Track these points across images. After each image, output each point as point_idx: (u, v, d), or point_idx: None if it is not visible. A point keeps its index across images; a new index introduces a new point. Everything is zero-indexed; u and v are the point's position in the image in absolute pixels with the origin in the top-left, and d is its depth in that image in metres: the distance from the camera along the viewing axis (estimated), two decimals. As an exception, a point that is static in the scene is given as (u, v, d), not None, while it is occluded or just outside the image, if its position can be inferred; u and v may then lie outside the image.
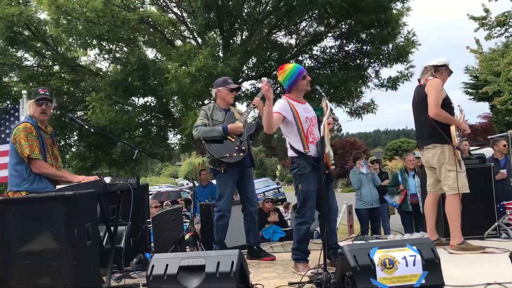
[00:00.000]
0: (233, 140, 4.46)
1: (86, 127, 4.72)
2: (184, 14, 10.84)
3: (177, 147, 13.01)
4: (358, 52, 10.70)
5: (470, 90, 23.18)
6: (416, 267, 2.70)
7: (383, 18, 9.64)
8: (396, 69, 10.84)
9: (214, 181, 12.32)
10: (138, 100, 10.39)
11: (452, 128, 4.19)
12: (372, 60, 10.72)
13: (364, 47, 10.69)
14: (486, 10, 15.36)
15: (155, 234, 5.24)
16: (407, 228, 7.32)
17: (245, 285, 2.84)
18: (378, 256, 2.74)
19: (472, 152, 8.18)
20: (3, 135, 5.65)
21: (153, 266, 2.72)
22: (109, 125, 8.67)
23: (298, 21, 10.27)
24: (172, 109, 11.20)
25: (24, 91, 6.11)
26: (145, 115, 10.71)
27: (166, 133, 12.02)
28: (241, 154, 4.44)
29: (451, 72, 4.45)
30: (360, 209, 7.44)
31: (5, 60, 9.88)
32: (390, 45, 10.46)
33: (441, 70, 4.34)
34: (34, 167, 3.76)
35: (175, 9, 10.83)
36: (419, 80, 4.51)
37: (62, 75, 11.12)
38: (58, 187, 3.62)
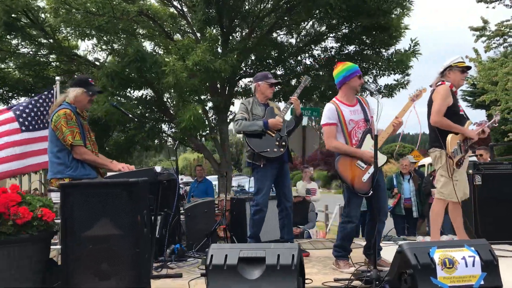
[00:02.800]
0: (273, 135, 4.50)
1: (130, 116, 4.69)
2: (184, 8, 10.78)
3: (170, 141, 12.94)
4: (357, 55, 10.66)
5: (468, 98, 23.27)
6: (475, 268, 2.74)
7: (382, 22, 9.61)
8: (394, 77, 10.84)
9: (209, 177, 12.34)
10: (134, 92, 10.32)
11: (449, 137, 4.19)
12: (371, 66, 10.68)
13: (364, 51, 10.65)
14: (485, 21, 15.45)
15: (187, 226, 5.26)
16: (399, 232, 7.33)
17: (303, 278, 2.87)
18: (438, 255, 2.78)
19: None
20: (39, 121, 5.56)
21: (212, 256, 2.78)
22: (105, 116, 8.61)
23: (299, 20, 10.20)
24: (167, 103, 11.14)
25: (58, 77, 6.09)
26: (140, 107, 10.64)
27: (161, 127, 11.95)
28: (281, 149, 4.48)
29: (466, 68, 4.41)
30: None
31: (1, 46, 9.80)
32: (390, 51, 10.43)
33: (446, 74, 4.33)
34: (76, 154, 3.76)
35: (175, 3, 10.77)
36: (431, 86, 4.51)
37: (58, 64, 11.03)
38: (108, 174, 3.60)
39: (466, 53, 15.19)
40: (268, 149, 4.42)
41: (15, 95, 10.92)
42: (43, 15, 9.53)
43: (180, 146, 14.49)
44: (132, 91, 10.19)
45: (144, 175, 3.31)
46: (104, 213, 2.80)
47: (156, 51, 10.71)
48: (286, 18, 10.42)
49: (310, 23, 10.82)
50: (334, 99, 4.13)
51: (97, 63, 10.35)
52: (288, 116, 4.85)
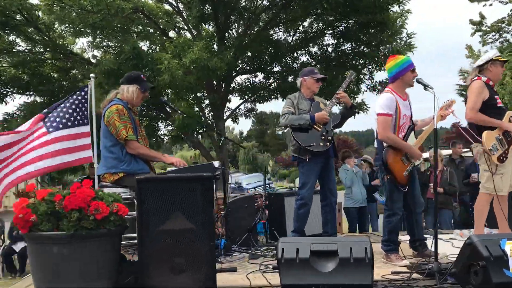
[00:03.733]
0: (319, 129, 4.50)
1: (179, 112, 4.66)
2: (180, 5, 10.74)
3: (166, 139, 12.92)
4: (354, 53, 10.65)
5: (464, 93, 23.34)
6: None
7: (379, 19, 9.58)
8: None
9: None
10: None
11: (484, 134, 4.15)
12: (367, 62, 10.67)
13: (361, 48, 10.63)
14: (482, 17, 15.50)
15: (228, 221, 5.23)
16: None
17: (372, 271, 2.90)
18: (508, 247, 2.78)
19: (463, 155, 8.24)
20: (72, 118, 5.58)
21: (283, 249, 2.82)
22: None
23: (296, 17, 10.16)
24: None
25: (92, 74, 6.12)
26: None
27: (157, 124, 11.91)
28: (327, 144, 4.48)
29: (504, 62, 4.39)
30: (349, 208, 7.44)
31: (-4, 44, 9.75)
32: (387, 48, 10.40)
33: (487, 67, 4.27)
34: (130, 148, 3.78)
35: (171, 0, 10.72)
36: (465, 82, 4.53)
37: (53, 62, 10.97)
38: (168, 169, 3.60)
39: (463, 50, 15.25)
40: (314, 143, 4.43)
41: (9, 92, 10.83)
42: (37, 13, 9.46)
43: (176, 144, 14.48)
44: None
45: (205, 170, 3.33)
46: (178, 207, 2.83)
47: (152, 48, 10.66)
48: (282, 15, 10.39)
49: (308, 20, 10.78)
50: (390, 89, 4.08)
51: (93, 60, 10.30)
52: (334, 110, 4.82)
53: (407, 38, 10.02)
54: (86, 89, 5.77)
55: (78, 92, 5.66)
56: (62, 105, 5.50)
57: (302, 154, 4.46)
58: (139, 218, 2.79)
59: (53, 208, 2.61)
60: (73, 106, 5.60)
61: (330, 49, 11.14)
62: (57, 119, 5.48)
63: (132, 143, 3.79)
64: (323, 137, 4.48)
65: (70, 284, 2.57)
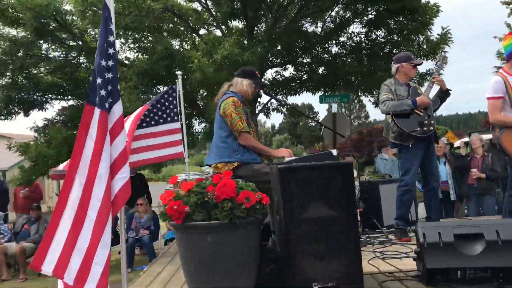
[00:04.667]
0: (421, 114, 4.49)
1: (284, 103, 4.72)
2: (208, 2, 10.80)
3: (200, 135, 13.06)
4: (386, 42, 10.45)
5: (502, 75, 22.57)
6: None
7: (409, 6, 9.38)
8: (426, 66, 10.58)
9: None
10: (163, 89, 10.42)
11: (503, 136, 4.03)
12: (400, 51, 10.46)
13: (393, 36, 10.43)
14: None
15: None
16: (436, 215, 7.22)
17: None
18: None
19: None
20: (164, 115, 5.90)
21: (424, 234, 2.91)
22: (136, 114, 8.73)
23: (324, 7, 10.06)
24: (197, 98, 11.22)
25: (179, 72, 6.42)
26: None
27: (191, 121, 12.06)
28: (431, 128, 4.47)
29: None
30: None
31: (33, 51, 10.05)
32: (421, 37, 10.17)
33: None
34: (242, 140, 3.90)
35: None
36: None
37: (88, 65, 11.24)
38: (287, 159, 3.73)
39: (497, 31, 14.70)
40: (418, 129, 4.42)
41: (48, 99, 11.17)
42: (70, 18, 9.71)
43: (209, 140, 14.60)
44: (161, 88, 10.30)
45: (326, 158, 3.38)
46: (320, 194, 2.87)
47: (183, 47, 10.78)
48: (310, 6, 10.31)
49: (335, 9, 10.65)
50: (501, 70, 4.03)
51: (126, 62, 10.49)
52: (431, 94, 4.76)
53: (443, 31, 9.76)
54: (174, 87, 6.06)
55: (167, 91, 5.94)
56: (154, 102, 5.78)
57: (404, 140, 4.45)
58: (283, 206, 2.85)
59: (202, 198, 2.71)
60: (166, 103, 5.87)
61: (360, 38, 10.98)
62: (150, 115, 5.76)
63: (245, 135, 3.89)
64: (426, 122, 4.45)
65: (224, 270, 2.69)
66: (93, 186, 2.69)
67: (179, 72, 6.48)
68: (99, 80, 2.76)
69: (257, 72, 4.15)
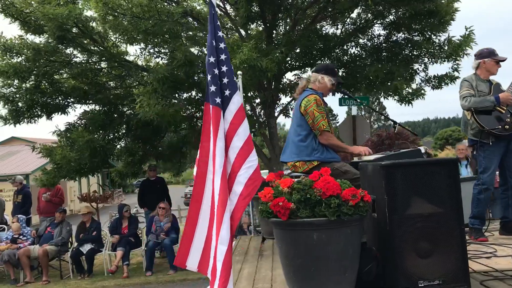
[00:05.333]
0: (503, 111, 4.40)
1: (358, 100, 4.69)
2: (227, 6, 10.84)
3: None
4: (407, 42, 10.33)
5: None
6: None
7: (430, 6, 9.24)
8: (446, 67, 10.41)
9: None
10: (183, 94, 10.49)
11: None
12: (422, 53, 10.32)
13: (413, 38, 10.29)
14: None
15: None
16: None
17: None
18: None
19: None
20: None
21: None
22: (156, 118, 8.81)
23: (343, 9, 9.99)
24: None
25: (239, 72, 6.53)
26: (190, 108, 10.80)
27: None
28: None
29: None
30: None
31: (56, 57, 10.22)
32: (442, 37, 10.02)
33: None
34: (323, 138, 3.88)
35: (217, 1, 10.83)
36: None
37: (109, 70, 11.38)
38: (366, 157, 3.75)
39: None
40: (499, 126, 4.34)
41: (70, 103, 11.34)
42: (91, 24, 9.84)
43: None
44: (181, 93, 10.36)
45: (414, 155, 3.36)
46: (425, 191, 2.86)
47: (203, 52, 10.82)
48: (329, 8, 10.25)
49: (355, 11, 10.57)
50: None
51: (145, 66, 10.58)
52: None
53: (467, 31, 9.60)
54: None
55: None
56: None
57: (484, 138, 4.37)
58: (387, 203, 2.84)
59: (304, 195, 2.71)
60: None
61: (380, 40, 10.87)
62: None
63: (327, 134, 3.87)
64: (508, 119, 4.36)
65: (330, 267, 2.69)
66: (214, 182, 2.74)
67: (239, 72, 6.53)
68: (208, 77, 2.83)
69: (336, 68, 4.13)
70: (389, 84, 10.21)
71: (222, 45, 2.91)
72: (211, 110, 2.80)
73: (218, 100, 2.80)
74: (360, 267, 2.83)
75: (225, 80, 2.84)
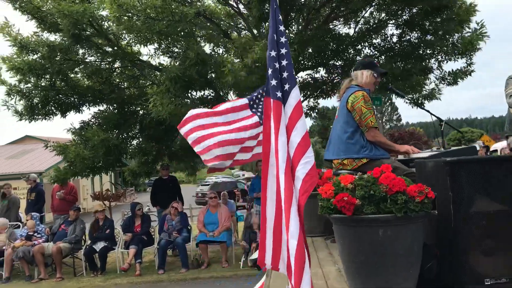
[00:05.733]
0: None
1: (405, 97, 4.55)
2: (240, 6, 10.86)
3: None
4: (420, 41, 10.28)
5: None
6: None
7: (445, 3, 9.19)
8: (461, 62, 10.37)
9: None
10: (196, 93, 10.54)
11: None
12: (436, 52, 10.26)
13: (427, 37, 10.24)
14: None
15: None
16: None
17: None
18: None
19: None
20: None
21: None
22: (169, 117, 8.86)
23: (356, 9, 9.97)
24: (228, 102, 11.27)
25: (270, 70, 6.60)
26: (202, 107, 10.84)
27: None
28: None
29: None
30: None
31: (70, 56, 10.33)
32: (456, 35, 9.95)
33: None
34: (370, 135, 3.86)
35: (231, 1, 10.86)
36: None
37: (122, 70, 11.47)
38: (414, 155, 3.73)
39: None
40: None
41: (85, 102, 11.45)
42: (106, 24, 9.93)
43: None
44: (194, 92, 10.41)
45: (469, 153, 3.33)
46: (491, 189, 2.83)
47: (216, 51, 10.86)
48: (342, 8, 10.23)
49: (369, 11, 10.54)
50: None
51: (160, 66, 10.65)
52: None
53: (479, 27, 9.52)
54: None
55: (258, 90, 6.10)
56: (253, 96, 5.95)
57: None
58: (451, 201, 2.82)
59: (368, 191, 2.71)
60: (257, 101, 5.99)
61: (394, 40, 10.83)
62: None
63: (374, 130, 3.84)
64: None
65: (395, 263, 2.69)
66: (279, 177, 2.73)
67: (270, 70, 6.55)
68: (269, 71, 2.84)
69: (376, 61, 4.10)
70: (405, 82, 10.16)
71: (283, 39, 2.91)
72: (272, 104, 2.80)
73: (279, 94, 2.80)
74: (421, 265, 2.82)
75: (285, 74, 2.85)
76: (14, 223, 11.15)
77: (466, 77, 10.31)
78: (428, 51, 10.27)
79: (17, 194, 13.36)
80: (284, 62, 2.86)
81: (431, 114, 4.26)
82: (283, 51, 2.88)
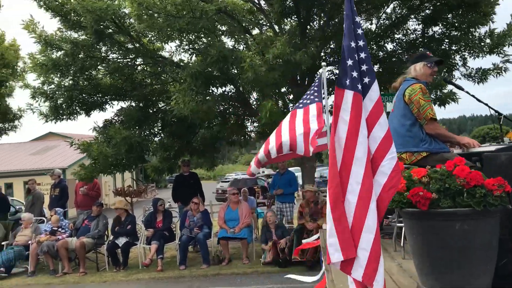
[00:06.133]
0: None
1: (465, 91, 4.61)
2: (261, 2, 10.82)
3: (253, 135, 13.14)
4: (444, 36, 10.07)
5: None
6: None
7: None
8: (491, 60, 10.07)
9: (291, 169, 12.37)
10: (217, 90, 10.55)
11: None
12: (461, 48, 10.03)
13: (451, 32, 10.03)
14: None
15: None
16: None
17: None
18: None
19: None
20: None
21: None
22: (190, 115, 8.89)
23: (378, 4, 9.83)
24: (249, 98, 11.26)
25: (323, 63, 6.71)
26: (223, 104, 10.87)
27: (244, 122, 12.14)
28: None
29: None
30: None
31: (93, 54, 10.45)
32: (482, 30, 9.71)
33: None
34: (429, 128, 3.79)
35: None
36: None
37: (145, 67, 11.56)
38: (476, 149, 3.62)
39: None
40: None
41: (107, 100, 11.57)
42: (128, 21, 10.01)
43: (261, 140, 14.70)
44: (215, 89, 10.42)
45: None
46: None
47: (236, 47, 10.85)
48: (364, 3, 10.10)
49: (391, 6, 10.39)
50: None
51: (181, 63, 10.70)
52: None
53: (509, 24, 9.26)
54: (320, 78, 6.30)
55: (314, 83, 6.22)
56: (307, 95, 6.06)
57: None
58: None
59: (443, 185, 2.67)
60: (312, 97, 6.08)
61: (416, 35, 10.65)
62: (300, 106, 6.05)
63: (434, 122, 3.78)
64: None
65: (473, 258, 2.65)
66: (350, 170, 2.66)
67: (324, 64, 6.60)
68: (350, 62, 2.73)
69: (428, 52, 4.01)
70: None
71: (359, 31, 2.80)
72: (351, 96, 2.69)
73: (359, 86, 2.70)
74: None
75: (364, 67, 2.75)
76: (38, 218, 11.35)
77: (499, 73, 10.00)
78: (453, 47, 10.06)
79: (41, 190, 13.61)
80: (362, 55, 2.75)
81: (489, 107, 4.11)
82: (361, 43, 2.76)
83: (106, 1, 8.94)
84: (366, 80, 2.73)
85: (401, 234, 3.90)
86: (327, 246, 2.64)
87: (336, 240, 2.60)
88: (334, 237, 2.60)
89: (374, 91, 2.73)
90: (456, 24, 9.78)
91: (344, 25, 2.81)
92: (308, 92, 6.29)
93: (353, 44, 2.74)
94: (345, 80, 2.71)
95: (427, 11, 10.16)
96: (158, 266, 9.37)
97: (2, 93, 13.85)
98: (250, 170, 5.92)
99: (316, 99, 5.97)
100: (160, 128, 12.06)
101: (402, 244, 3.89)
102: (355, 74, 2.69)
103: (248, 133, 12.65)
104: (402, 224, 3.64)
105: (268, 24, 10.91)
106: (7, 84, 13.72)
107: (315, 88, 6.22)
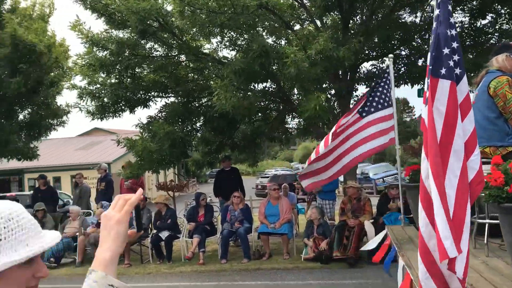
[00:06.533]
0: None
1: None
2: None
3: (294, 131, 13.11)
4: (494, 30, 9.68)
5: None
6: None
7: None
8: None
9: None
10: (257, 85, 10.57)
11: None
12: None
13: (502, 24, 9.62)
14: None
15: None
16: None
17: None
18: None
19: None
20: (376, 104, 6.08)
21: None
22: (232, 110, 8.96)
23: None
24: (290, 94, 11.23)
25: (390, 55, 6.76)
26: (264, 100, 10.88)
27: (285, 117, 12.13)
28: None
29: None
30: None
31: (137, 52, 10.68)
32: None
33: None
34: None
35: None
36: None
37: (188, 63, 11.72)
38: None
39: None
40: None
41: (151, 96, 11.82)
42: (171, 19, 10.16)
43: (300, 136, 14.65)
44: (256, 85, 10.45)
45: None
46: None
47: (278, 43, 10.83)
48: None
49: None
50: None
51: (224, 60, 10.78)
52: None
53: None
54: (388, 70, 6.25)
55: (381, 78, 6.16)
56: (374, 89, 6.03)
57: None
58: None
59: None
60: (380, 89, 6.04)
61: (463, 28, 10.31)
62: (368, 104, 5.93)
63: None
64: None
65: None
66: (448, 163, 2.55)
67: (391, 55, 6.51)
68: (446, 51, 2.63)
69: (511, 42, 3.86)
70: (473, 74, 9.68)
71: (452, 20, 2.73)
72: (448, 85, 2.56)
73: (454, 76, 2.61)
74: None
75: (456, 58, 2.64)
76: (85, 211, 11.74)
77: None
78: (504, 40, 9.66)
79: (87, 184, 14.08)
80: (454, 44, 2.65)
81: None
82: (453, 32, 2.67)
83: (149, 1, 9.10)
84: (458, 71, 2.62)
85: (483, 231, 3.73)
86: (442, 242, 2.50)
87: (450, 235, 2.42)
88: (448, 232, 2.42)
89: (464, 83, 2.63)
90: (507, 14, 9.38)
91: (438, 11, 2.68)
92: (372, 93, 6.11)
93: (449, 32, 2.63)
94: (438, 69, 2.60)
95: (474, 2, 9.80)
96: (200, 260, 9.50)
97: (53, 93, 14.37)
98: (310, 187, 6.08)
99: (386, 104, 5.86)
100: (202, 123, 12.21)
101: (485, 241, 3.72)
102: (451, 63, 2.58)
103: (290, 130, 12.62)
104: (485, 221, 3.49)
105: (309, 19, 10.82)
106: (59, 84, 14.27)
107: (380, 89, 6.08)
